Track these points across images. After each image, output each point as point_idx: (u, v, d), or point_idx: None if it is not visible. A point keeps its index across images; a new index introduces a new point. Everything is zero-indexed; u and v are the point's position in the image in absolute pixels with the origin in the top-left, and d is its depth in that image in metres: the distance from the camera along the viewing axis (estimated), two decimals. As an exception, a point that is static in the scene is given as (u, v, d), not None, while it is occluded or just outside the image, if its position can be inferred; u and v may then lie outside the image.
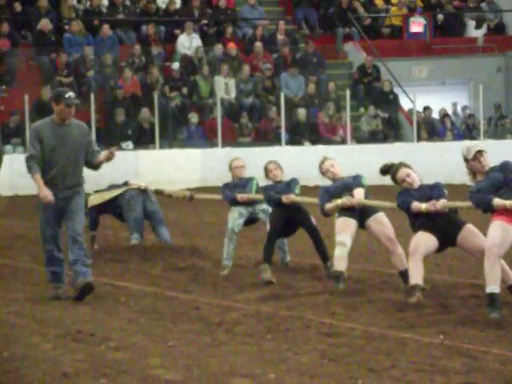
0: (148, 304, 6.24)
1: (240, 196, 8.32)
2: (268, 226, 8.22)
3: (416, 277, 6.84)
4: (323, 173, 7.74)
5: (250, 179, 8.74)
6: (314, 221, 7.85)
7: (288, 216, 8.01)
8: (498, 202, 6.17)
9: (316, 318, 6.12)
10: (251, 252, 8.81)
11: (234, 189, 8.53)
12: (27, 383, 4.71)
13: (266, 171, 8.32)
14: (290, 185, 8.28)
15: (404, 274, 7.22)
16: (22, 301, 7.08)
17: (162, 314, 6.42)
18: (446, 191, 6.99)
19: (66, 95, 7.15)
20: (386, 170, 7.16)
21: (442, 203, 6.72)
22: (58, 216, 7.27)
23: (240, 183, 8.75)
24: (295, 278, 7.75)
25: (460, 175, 10.42)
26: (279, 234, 7.92)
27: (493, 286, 6.19)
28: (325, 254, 7.75)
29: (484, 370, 4.73)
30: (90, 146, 7.32)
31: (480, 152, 6.49)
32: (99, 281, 8.08)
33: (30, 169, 7.13)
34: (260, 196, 8.38)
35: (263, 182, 8.31)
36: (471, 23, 22.36)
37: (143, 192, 9.82)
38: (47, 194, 7.13)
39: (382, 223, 7.51)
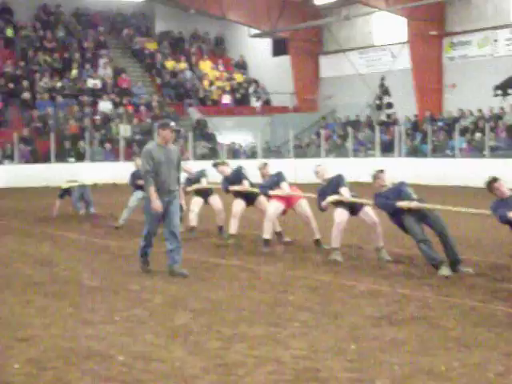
0: None
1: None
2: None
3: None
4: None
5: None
6: None
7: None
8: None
9: None
10: None
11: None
12: None
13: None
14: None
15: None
16: None
17: None
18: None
19: (171, 123, 8.72)
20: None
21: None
22: (162, 215, 8.71)
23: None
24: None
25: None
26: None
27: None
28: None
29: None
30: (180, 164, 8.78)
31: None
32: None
33: (147, 182, 8.62)
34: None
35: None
36: (253, 99, 35.58)
37: (85, 186, 15.21)
38: (159, 207, 8.58)
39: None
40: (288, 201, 11.49)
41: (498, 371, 5.27)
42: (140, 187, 12.52)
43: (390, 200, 9.40)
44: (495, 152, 25.73)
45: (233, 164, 13.16)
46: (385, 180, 9.57)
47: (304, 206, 11.59)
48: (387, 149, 29.80)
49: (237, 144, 32.29)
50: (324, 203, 10.47)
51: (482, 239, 12.20)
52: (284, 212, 11.42)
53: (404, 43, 32.74)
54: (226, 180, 12.25)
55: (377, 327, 6.59)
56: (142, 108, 32.44)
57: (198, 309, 7.45)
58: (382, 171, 9.66)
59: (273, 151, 32.47)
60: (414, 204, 9.32)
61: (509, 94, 28.94)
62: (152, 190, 8.66)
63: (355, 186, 12.83)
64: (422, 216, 9.31)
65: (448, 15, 32.05)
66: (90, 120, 30.14)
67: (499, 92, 27.89)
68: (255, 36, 36.73)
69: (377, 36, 34.94)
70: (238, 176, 12.17)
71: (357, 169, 25.01)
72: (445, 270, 8.88)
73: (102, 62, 34.11)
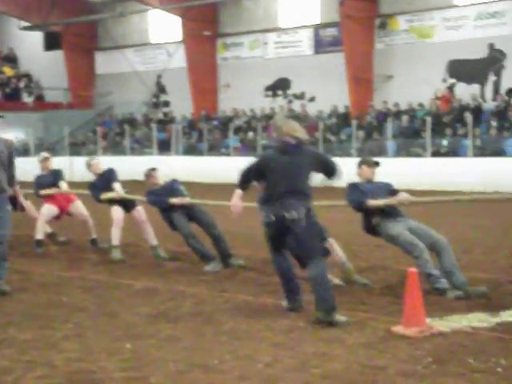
0: None
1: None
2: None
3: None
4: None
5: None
6: None
7: None
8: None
9: None
10: None
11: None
12: None
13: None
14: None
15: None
16: None
17: None
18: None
19: None
20: None
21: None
22: None
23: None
24: None
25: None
26: None
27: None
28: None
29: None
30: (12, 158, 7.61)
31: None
32: None
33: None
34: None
35: None
36: (25, 94, 35.19)
37: None
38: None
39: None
40: (62, 205, 11.33)
41: (266, 361, 5.52)
42: None
43: (162, 197, 9.50)
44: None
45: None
46: (157, 178, 9.89)
47: (79, 206, 11.52)
48: (164, 147, 30.29)
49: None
50: (103, 196, 10.39)
51: (255, 235, 12.67)
52: (58, 217, 11.31)
53: (179, 42, 33.24)
54: None
55: (153, 325, 6.65)
56: None
57: (-37, 316, 7.07)
58: (154, 169, 9.93)
59: (47, 148, 31.62)
60: (186, 200, 9.60)
61: (278, 95, 30.16)
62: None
63: (132, 184, 12.85)
64: (191, 213, 9.63)
65: (221, 17, 33.04)
66: None
67: (269, 93, 29.07)
68: (25, 29, 35.83)
69: (153, 34, 35.34)
70: None
71: (134, 167, 24.99)
72: (213, 266, 9.24)
73: None
